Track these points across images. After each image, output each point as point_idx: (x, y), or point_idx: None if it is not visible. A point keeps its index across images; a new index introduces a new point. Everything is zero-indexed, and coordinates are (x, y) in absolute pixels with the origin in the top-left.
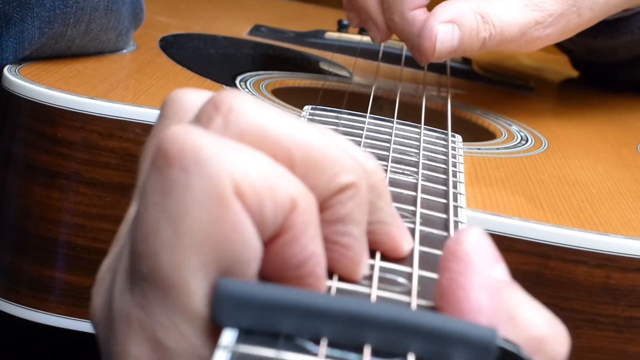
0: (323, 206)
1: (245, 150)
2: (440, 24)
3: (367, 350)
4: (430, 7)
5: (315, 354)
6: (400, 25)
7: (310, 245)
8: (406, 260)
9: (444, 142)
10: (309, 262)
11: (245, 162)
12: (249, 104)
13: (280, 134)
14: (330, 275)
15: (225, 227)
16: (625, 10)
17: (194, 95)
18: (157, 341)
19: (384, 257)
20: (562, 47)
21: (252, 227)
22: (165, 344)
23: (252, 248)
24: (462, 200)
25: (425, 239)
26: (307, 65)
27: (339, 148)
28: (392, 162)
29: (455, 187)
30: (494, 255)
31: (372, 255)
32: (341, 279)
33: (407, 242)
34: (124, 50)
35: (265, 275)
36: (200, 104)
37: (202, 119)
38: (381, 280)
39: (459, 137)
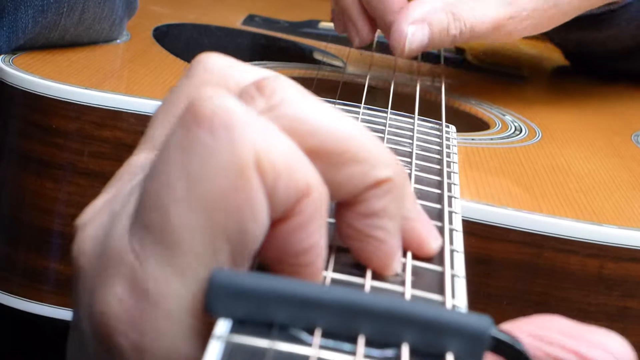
0: (358, 199)
1: (272, 129)
2: (410, 25)
3: (361, 341)
4: None
5: (309, 344)
6: (375, 4)
7: (315, 235)
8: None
9: (437, 133)
10: (311, 252)
11: (270, 139)
12: (293, 91)
13: (319, 122)
14: (363, 270)
15: (239, 197)
16: (611, 3)
17: (220, 61)
18: (143, 290)
19: (415, 257)
20: (552, 40)
21: (265, 202)
22: (150, 295)
23: (260, 223)
24: (456, 191)
25: None
26: (301, 55)
27: (376, 142)
28: None
29: (449, 177)
30: None
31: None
32: (374, 274)
33: (434, 240)
34: (118, 40)
35: (264, 257)
36: (230, 71)
37: (243, 98)
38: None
39: (452, 128)
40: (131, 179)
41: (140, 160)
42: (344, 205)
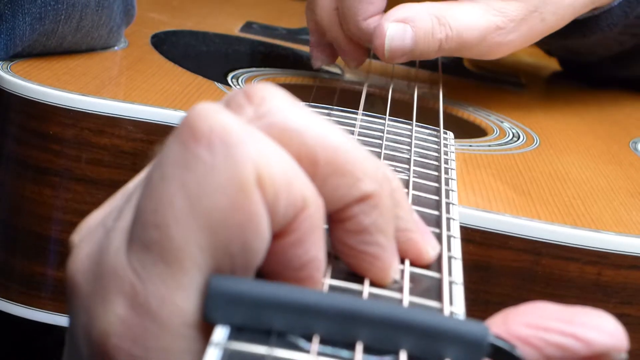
0: (346, 215)
1: (269, 142)
2: (391, 23)
3: (359, 347)
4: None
5: (307, 351)
6: (357, 34)
7: (312, 249)
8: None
9: (435, 139)
10: (310, 266)
11: (269, 153)
12: (281, 99)
13: (307, 132)
14: (361, 280)
15: (242, 214)
16: (594, 9)
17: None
18: (146, 308)
19: (412, 264)
20: (541, 48)
21: (267, 218)
22: (154, 312)
23: (262, 239)
24: (453, 197)
25: None
26: (299, 62)
27: (363, 154)
28: (384, 159)
29: (447, 184)
30: None
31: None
32: (374, 284)
33: (432, 248)
34: (116, 47)
35: (264, 270)
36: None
37: (231, 106)
38: None
39: (450, 134)
40: (124, 196)
41: (136, 180)
42: (335, 222)
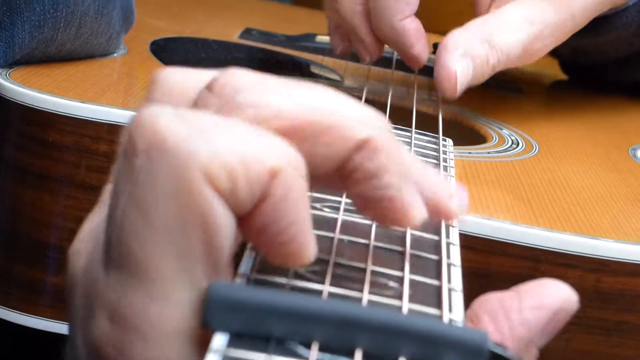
0: (349, 168)
1: (218, 125)
2: (457, 63)
3: (358, 354)
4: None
5: (306, 358)
6: (390, 36)
7: (291, 213)
8: (397, 264)
9: (434, 146)
10: (291, 229)
11: (215, 140)
12: (244, 78)
13: (278, 103)
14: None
15: (195, 215)
16: (610, 9)
17: (176, 75)
18: (126, 322)
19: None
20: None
21: (225, 210)
22: (134, 326)
23: (224, 232)
24: None
25: (416, 243)
26: (298, 68)
27: (347, 105)
28: None
29: None
30: None
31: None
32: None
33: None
34: (115, 54)
35: (250, 242)
36: (186, 83)
37: (198, 103)
38: (372, 284)
39: (449, 141)
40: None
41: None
42: (345, 179)
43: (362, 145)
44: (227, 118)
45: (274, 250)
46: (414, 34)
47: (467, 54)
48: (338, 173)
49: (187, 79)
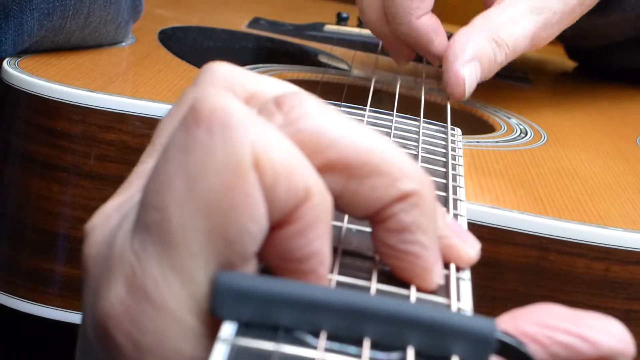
0: (386, 214)
1: (273, 130)
2: (465, 67)
3: (366, 343)
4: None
5: (314, 347)
6: (408, 34)
7: (316, 242)
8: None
9: (443, 135)
10: (313, 259)
11: (269, 138)
12: (312, 105)
13: (338, 135)
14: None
15: (237, 196)
16: None
17: (225, 67)
18: (143, 290)
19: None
20: None
21: (263, 202)
22: (150, 294)
23: (259, 224)
24: (461, 193)
25: None
26: (306, 58)
27: (400, 154)
28: None
29: (454, 180)
30: None
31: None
32: (416, 287)
33: (472, 248)
34: (123, 43)
35: (266, 261)
36: (237, 78)
37: (262, 114)
38: (380, 273)
39: (458, 130)
40: (140, 182)
41: (148, 166)
42: (376, 223)
43: (404, 197)
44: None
45: (291, 275)
46: (433, 31)
47: (475, 57)
48: (372, 216)
49: (238, 76)
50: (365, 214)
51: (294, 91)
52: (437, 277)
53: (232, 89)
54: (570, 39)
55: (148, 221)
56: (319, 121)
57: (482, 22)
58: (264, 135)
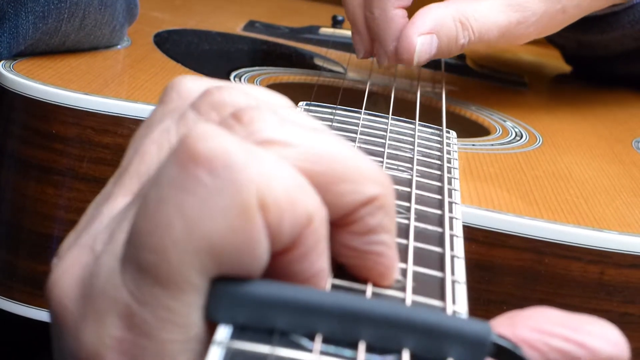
0: (352, 218)
1: (271, 161)
2: (420, 36)
3: (361, 347)
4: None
5: (310, 350)
6: (377, 20)
7: (318, 262)
8: (401, 256)
9: (438, 138)
10: (315, 278)
11: (271, 173)
12: (272, 116)
13: (301, 145)
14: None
15: (241, 239)
16: (614, 5)
17: (192, 84)
18: (145, 329)
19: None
20: (553, 42)
21: (267, 241)
22: (152, 333)
23: (259, 262)
24: (456, 196)
25: (420, 235)
26: (302, 61)
27: (363, 159)
28: (387, 158)
29: (449, 183)
30: None
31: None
32: (375, 285)
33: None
34: (119, 46)
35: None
36: (197, 93)
37: (223, 127)
38: None
39: (453, 133)
40: (110, 216)
41: (120, 199)
42: (339, 227)
43: (369, 202)
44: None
45: None
46: (398, 28)
47: (434, 30)
48: (336, 221)
49: (199, 90)
50: (331, 219)
51: (253, 106)
52: (396, 273)
53: (198, 106)
54: (570, 49)
55: (143, 262)
56: (281, 131)
57: (453, 2)
58: (267, 172)
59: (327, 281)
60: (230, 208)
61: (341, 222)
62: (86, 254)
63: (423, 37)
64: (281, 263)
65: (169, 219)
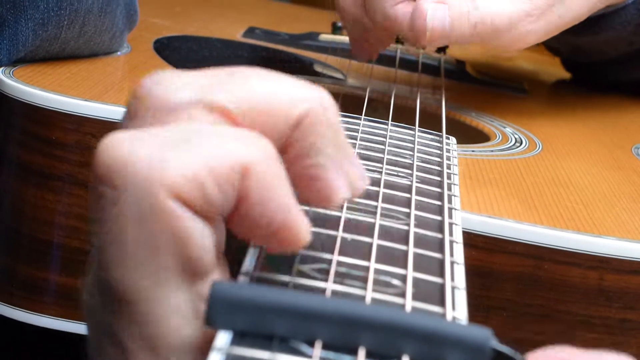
0: (285, 144)
1: (177, 138)
2: (430, 3)
3: (361, 352)
4: None
5: (309, 356)
6: (383, 23)
7: (274, 200)
8: (401, 262)
9: (438, 144)
10: (278, 216)
11: (177, 155)
12: (167, 79)
13: (212, 93)
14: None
15: (165, 234)
16: (607, 7)
17: (154, 87)
18: (127, 347)
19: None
20: (549, 47)
21: (195, 221)
22: (135, 349)
23: (198, 242)
24: (456, 202)
25: (420, 241)
26: (301, 67)
27: (282, 84)
28: (387, 164)
29: (449, 189)
30: None
31: None
32: (322, 207)
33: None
34: (118, 52)
35: (243, 238)
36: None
37: (130, 113)
38: (375, 282)
39: (453, 139)
40: None
41: None
42: (283, 157)
43: (299, 122)
44: (186, 126)
45: (270, 241)
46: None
47: (444, 1)
48: (280, 153)
49: (160, 89)
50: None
51: (147, 76)
52: (341, 193)
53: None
54: (565, 54)
55: (101, 285)
56: (184, 92)
57: None
58: (167, 160)
59: (296, 211)
60: (142, 215)
61: (283, 152)
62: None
63: (434, 4)
64: (242, 218)
65: (102, 242)
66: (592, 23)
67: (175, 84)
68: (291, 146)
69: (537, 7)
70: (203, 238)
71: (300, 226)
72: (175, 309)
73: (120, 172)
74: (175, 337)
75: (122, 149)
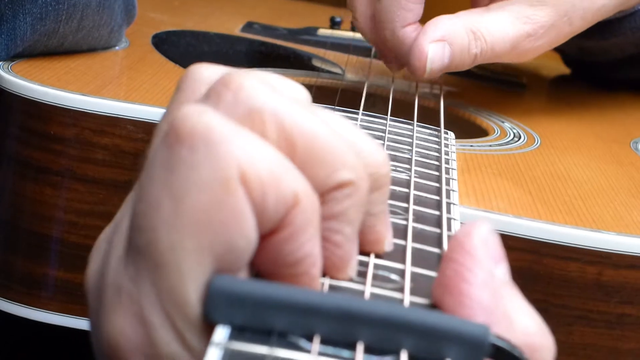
0: (320, 193)
1: (255, 138)
2: (431, 43)
3: (360, 347)
4: (422, 22)
5: (308, 351)
6: (390, 42)
7: (307, 245)
8: (399, 256)
9: (436, 139)
10: (305, 262)
11: (254, 150)
12: (260, 84)
13: (285, 116)
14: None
15: (225, 213)
16: (618, 12)
17: (209, 70)
18: (142, 317)
19: (362, 251)
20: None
21: (252, 216)
22: (149, 322)
23: (248, 238)
24: (454, 197)
25: (418, 236)
26: (300, 62)
27: (344, 142)
28: None
29: (447, 183)
30: (500, 254)
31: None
32: (330, 276)
33: (388, 243)
34: (117, 47)
35: (258, 268)
36: (215, 78)
37: (211, 96)
38: (374, 277)
39: (451, 134)
40: (128, 205)
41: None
42: None
43: (339, 187)
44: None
45: (282, 279)
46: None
47: (445, 38)
48: None
49: (215, 74)
50: None
51: (240, 71)
52: (351, 269)
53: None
54: (570, 54)
55: (139, 244)
56: (267, 101)
57: (464, 14)
58: (248, 147)
59: (320, 269)
60: (210, 182)
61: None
62: (104, 245)
63: (434, 44)
64: (270, 245)
65: (158, 198)
66: (602, 28)
67: (264, 92)
68: (322, 204)
69: (540, 26)
70: (252, 233)
71: (317, 280)
72: (200, 288)
73: (205, 138)
74: (194, 315)
75: (211, 119)
